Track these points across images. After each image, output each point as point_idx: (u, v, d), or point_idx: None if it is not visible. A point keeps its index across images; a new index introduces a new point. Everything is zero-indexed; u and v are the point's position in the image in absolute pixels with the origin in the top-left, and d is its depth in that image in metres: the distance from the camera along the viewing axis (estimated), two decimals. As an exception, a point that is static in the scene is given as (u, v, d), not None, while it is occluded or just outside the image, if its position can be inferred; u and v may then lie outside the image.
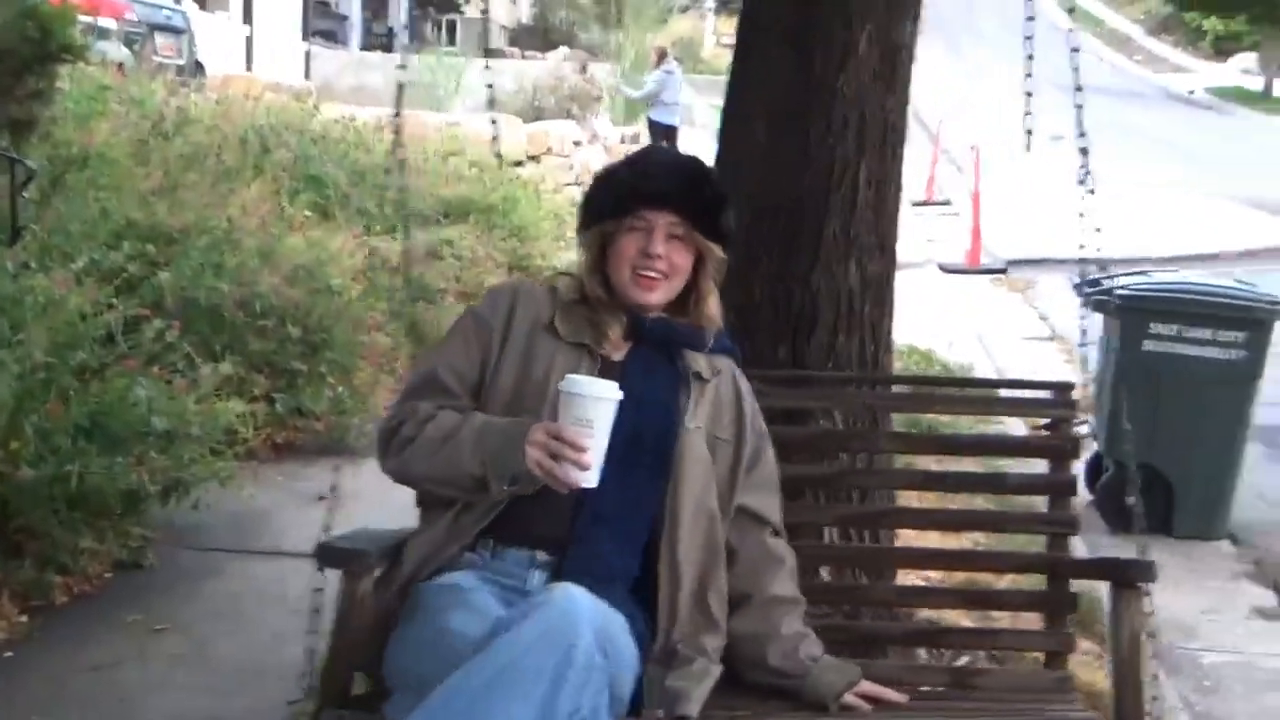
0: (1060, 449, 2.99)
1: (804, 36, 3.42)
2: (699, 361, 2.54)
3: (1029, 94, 3.28)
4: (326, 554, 2.40)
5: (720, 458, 2.51)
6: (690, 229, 2.47)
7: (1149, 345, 5.97)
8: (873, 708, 2.43)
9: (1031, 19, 3.23)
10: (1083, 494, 6.35)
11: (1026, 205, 16.12)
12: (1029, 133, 3.28)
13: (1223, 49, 45.08)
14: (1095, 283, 6.35)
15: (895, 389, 4.01)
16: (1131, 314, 6.04)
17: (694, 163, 2.70)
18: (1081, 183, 3.11)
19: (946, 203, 17.18)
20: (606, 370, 2.39)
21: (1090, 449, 6.78)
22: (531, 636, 1.91)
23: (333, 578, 2.40)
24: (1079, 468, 6.70)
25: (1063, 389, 3.06)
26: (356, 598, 2.30)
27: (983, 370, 8.47)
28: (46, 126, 6.88)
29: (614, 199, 2.51)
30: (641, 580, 2.40)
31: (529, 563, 2.33)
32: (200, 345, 5.25)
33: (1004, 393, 3.61)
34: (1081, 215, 3.04)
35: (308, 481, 5.46)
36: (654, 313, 2.52)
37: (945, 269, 13.29)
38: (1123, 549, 5.80)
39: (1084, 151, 3.13)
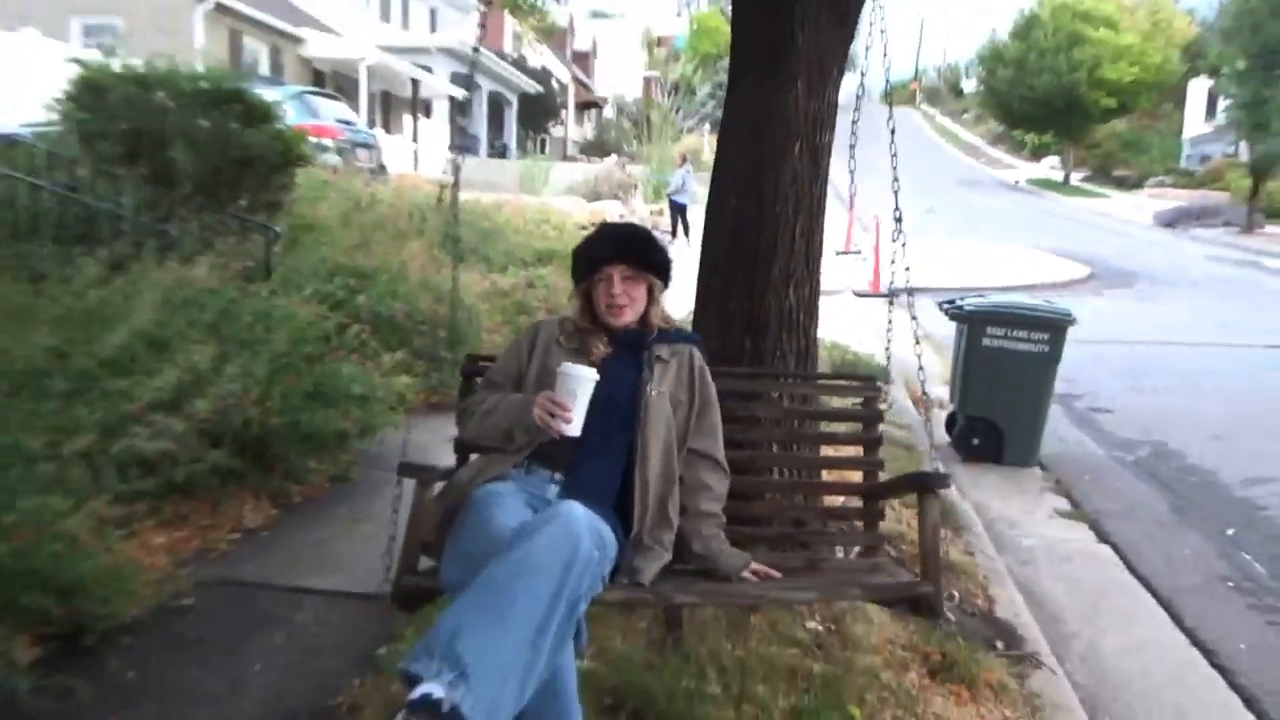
0: (870, 416, 3.02)
1: (758, 144, 3.43)
2: (662, 350, 2.56)
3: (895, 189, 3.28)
4: (404, 469, 2.36)
5: (679, 413, 2.53)
6: (637, 269, 2.54)
7: (987, 342, 5.97)
8: (758, 579, 2.45)
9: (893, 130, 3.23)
10: (944, 437, 6.40)
11: (910, 253, 15.99)
12: (897, 220, 3.27)
13: (1037, 154, 44.97)
14: (952, 302, 6.37)
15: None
16: (976, 322, 6.03)
17: (631, 228, 2.77)
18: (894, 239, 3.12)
19: (858, 252, 17.01)
20: (593, 366, 2.42)
21: (949, 409, 6.80)
22: (548, 540, 1.89)
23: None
24: (941, 420, 6.74)
25: (870, 380, 3.12)
26: (424, 500, 2.30)
27: (879, 357, 8.43)
28: (288, 206, 6.97)
29: (585, 263, 2.58)
30: (620, 496, 2.41)
31: (549, 479, 2.38)
32: (382, 342, 5.26)
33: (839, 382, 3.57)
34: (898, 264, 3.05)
35: (449, 428, 5.50)
36: (625, 328, 2.56)
37: (857, 294, 13.21)
38: (968, 472, 5.85)
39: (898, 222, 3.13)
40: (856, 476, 3.09)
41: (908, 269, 3.06)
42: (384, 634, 3.04)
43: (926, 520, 2.44)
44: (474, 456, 2.55)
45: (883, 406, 3.04)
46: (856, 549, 3.08)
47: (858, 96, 3.60)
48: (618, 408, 2.42)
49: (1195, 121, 41.20)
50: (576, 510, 1.99)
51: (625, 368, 2.51)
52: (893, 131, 3.09)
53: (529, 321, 7.71)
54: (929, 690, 2.94)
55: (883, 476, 2.96)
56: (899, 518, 4.31)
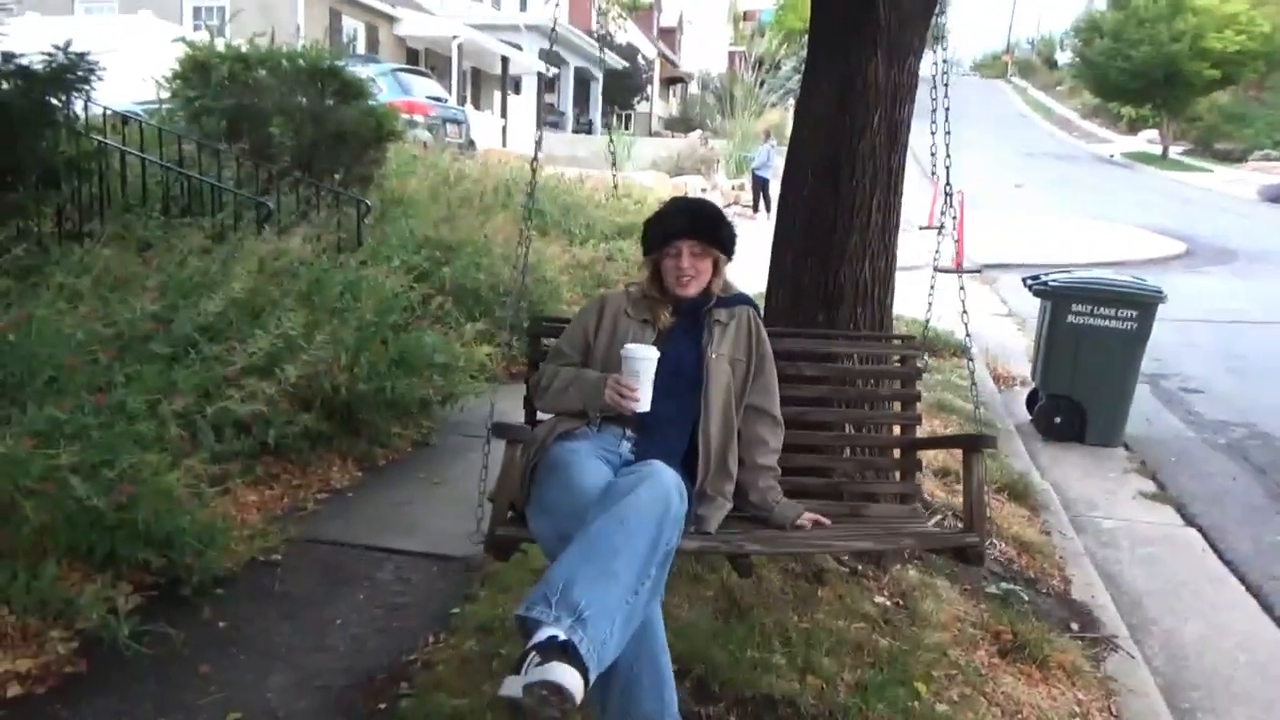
0: (909, 373, 3.07)
1: (837, 118, 3.34)
2: (720, 314, 2.64)
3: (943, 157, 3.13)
4: (499, 430, 2.44)
5: (737, 371, 2.61)
6: (705, 245, 2.61)
7: (1071, 319, 5.75)
8: (810, 526, 2.53)
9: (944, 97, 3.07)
10: (1025, 415, 6.19)
11: (996, 229, 15.53)
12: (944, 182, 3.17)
13: (1134, 127, 42.83)
14: (1037, 278, 6.14)
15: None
16: (1060, 299, 5.81)
17: (701, 204, 2.79)
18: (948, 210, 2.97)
19: (942, 227, 16.57)
20: (660, 334, 2.59)
21: (1030, 386, 6.57)
22: (646, 498, 2.03)
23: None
24: (1022, 399, 6.52)
25: (909, 339, 3.19)
26: (514, 458, 2.39)
27: (959, 333, 8.19)
28: (379, 181, 7.09)
29: (657, 237, 2.65)
30: (688, 453, 2.50)
31: (620, 436, 2.48)
32: (465, 312, 5.33)
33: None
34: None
35: (530, 396, 5.56)
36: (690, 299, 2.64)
37: (939, 270, 12.87)
38: (1049, 451, 5.65)
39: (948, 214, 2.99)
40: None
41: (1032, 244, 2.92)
42: (459, 595, 3.09)
43: (972, 476, 2.52)
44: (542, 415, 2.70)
45: (920, 365, 3.07)
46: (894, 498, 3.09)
47: (942, 72, 3.41)
48: (681, 371, 2.53)
49: (1306, 92, 38.72)
50: (667, 471, 2.12)
51: (686, 334, 2.60)
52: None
53: (600, 294, 7.72)
54: (998, 669, 2.85)
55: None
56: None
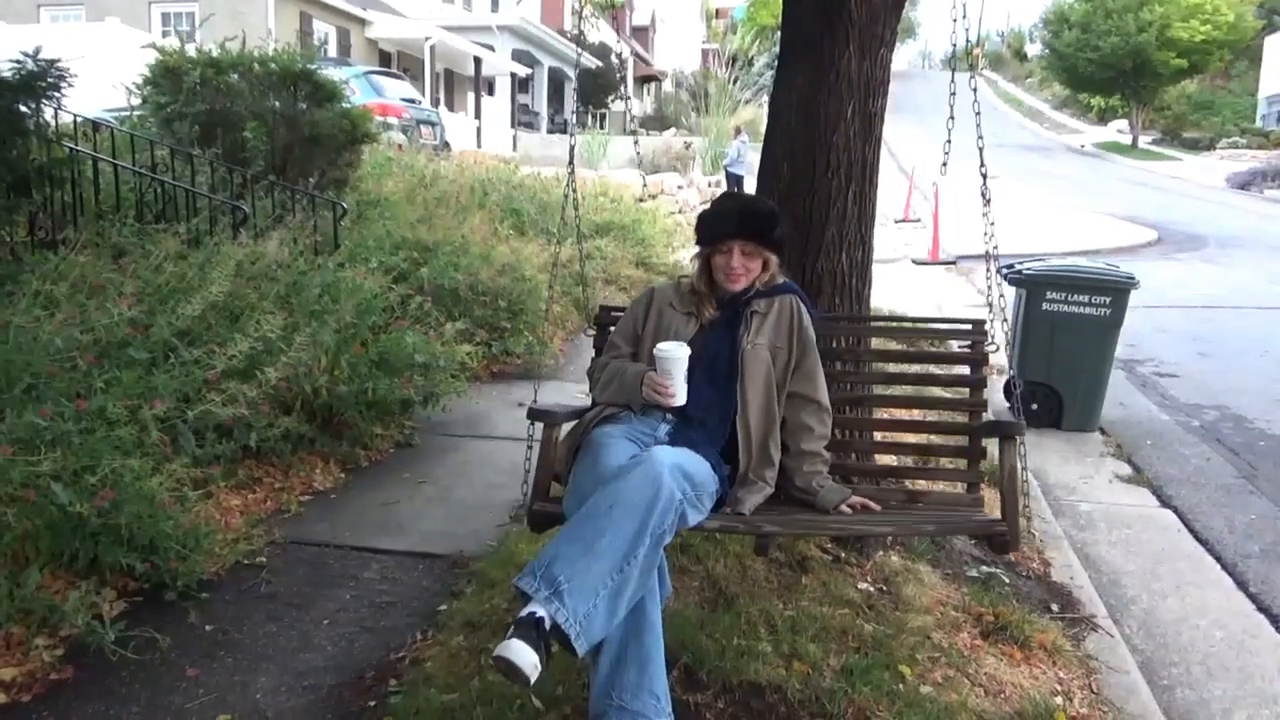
0: (976, 359, 2.99)
1: (811, 110, 3.36)
2: (759, 304, 2.68)
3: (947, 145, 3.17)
4: (533, 414, 2.59)
5: (778, 360, 2.64)
6: (756, 246, 2.66)
7: (1047, 306, 5.81)
8: (856, 510, 2.56)
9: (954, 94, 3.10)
10: (1002, 403, 6.25)
11: (969, 220, 15.64)
12: (943, 164, 3.20)
13: (1104, 118, 43.27)
14: (1012, 267, 6.20)
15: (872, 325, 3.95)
16: (1035, 287, 5.87)
17: (755, 203, 2.85)
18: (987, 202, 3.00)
19: (917, 220, 16.65)
20: (703, 328, 2.65)
21: (1006, 374, 6.64)
22: (635, 481, 2.10)
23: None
24: (998, 386, 6.59)
25: (978, 324, 3.05)
26: (551, 439, 2.52)
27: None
28: (355, 183, 7.06)
29: (710, 233, 2.71)
30: (729, 442, 2.56)
31: (661, 419, 2.54)
32: (444, 312, 5.32)
33: (944, 326, 3.54)
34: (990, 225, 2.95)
35: (511, 394, 5.55)
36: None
37: (915, 262, 12.95)
38: (1027, 438, 5.70)
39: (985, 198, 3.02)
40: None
41: (991, 230, 2.95)
42: (445, 592, 3.10)
43: (1005, 463, 2.53)
44: None
45: (989, 349, 2.99)
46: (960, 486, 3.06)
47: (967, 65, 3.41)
48: (721, 360, 2.60)
49: (1272, 79, 39.23)
50: (662, 455, 2.16)
51: (728, 324, 2.66)
52: (974, 89, 2.95)
53: (587, 292, 7.76)
54: (981, 651, 2.90)
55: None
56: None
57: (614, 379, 2.63)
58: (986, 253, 2.98)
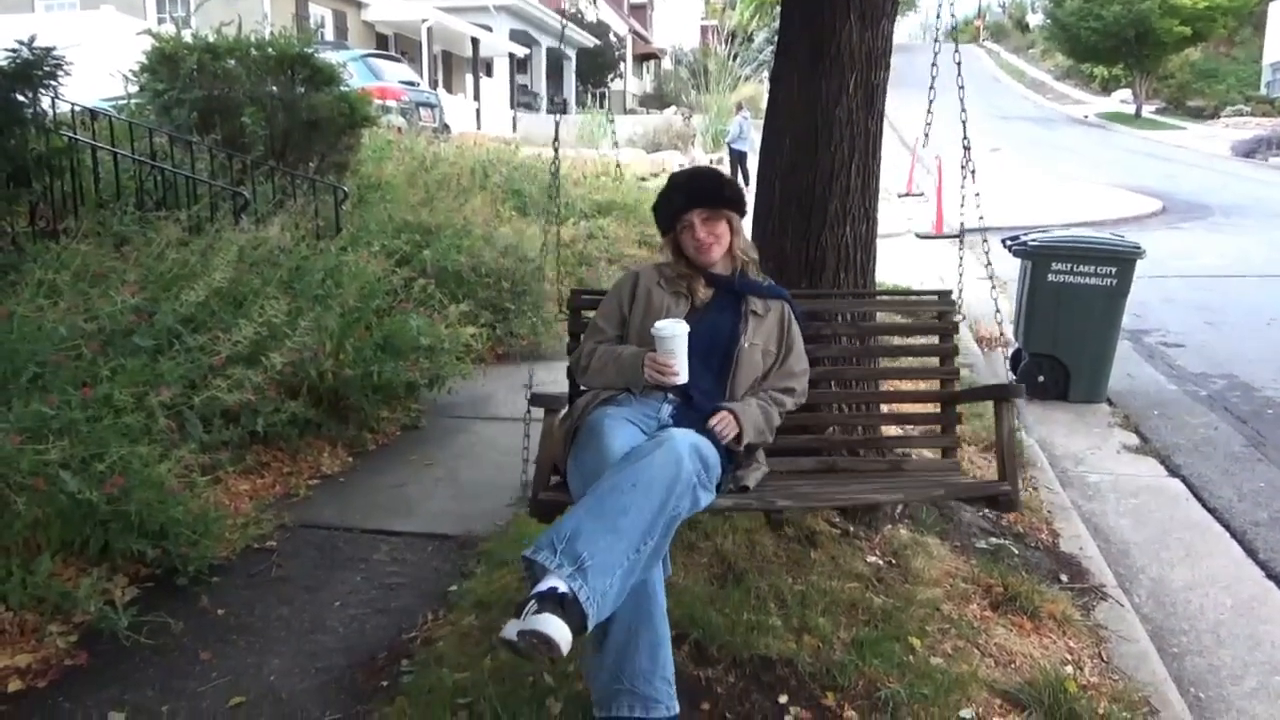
0: (945, 328, 3.08)
1: (812, 83, 3.34)
2: (757, 305, 2.68)
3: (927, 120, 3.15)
4: (536, 400, 2.61)
5: (766, 362, 2.66)
6: (713, 209, 2.66)
7: (1052, 278, 5.78)
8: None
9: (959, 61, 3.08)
10: (1009, 376, 6.24)
11: (974, 193, 15.55)
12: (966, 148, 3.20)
13: (1107, 87, 42.94)
14: (1016, 238, 6.17)
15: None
16: (1040, 258, 5.84)
17: (698, 172, 2.86)
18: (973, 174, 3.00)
19: (921, 194, 16.56)
20: (695, 308, 2.63)
21: (1013, 347, 6.62)
22: (659, 461, 2.09)
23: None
24: (1005, 358, 6.58)
25: (945, 294, 3.15)
26: (553, 426, 2.48)
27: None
28: (355, 166, 7.04)
29: (666, 216, 2.73)
30: None
31: (663, 399, 2.52)
32: (448, 294, 5.31)
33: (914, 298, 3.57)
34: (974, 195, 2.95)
35: (515, 376, 5.49)
36: (719, 266, 2.69)
37: (919, 236, 12.91)
38: (1034, 409, 5.71)
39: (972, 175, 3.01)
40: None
41: (979, 205, 2.97)
42: (455, 573, 3.11)
43: (1003, 425, 2.56)
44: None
45: (957, 318, 3.08)
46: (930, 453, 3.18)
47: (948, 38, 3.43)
48: (717, 349, 2.60)
49: (1277, 46, 38.83)
50: (681, 437, 2.17)
51: (722, 313, 2.65)
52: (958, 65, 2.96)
53: (591, 273, 7.76)
54: (990, 622, 2.90)
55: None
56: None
57: (609, 363, 2.58)
58: (962, 227, 2.99)
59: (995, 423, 2.61)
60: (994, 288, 3.24)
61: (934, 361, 3.18)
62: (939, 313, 3.13)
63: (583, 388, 2.70)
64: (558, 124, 3.13)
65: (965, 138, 3.04)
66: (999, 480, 2.56)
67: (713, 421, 2.44)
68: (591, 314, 2.84)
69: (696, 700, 2.35)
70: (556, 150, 2.97)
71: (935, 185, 13.99)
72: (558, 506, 2.40)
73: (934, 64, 3.10)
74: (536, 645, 1.81)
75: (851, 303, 3.26)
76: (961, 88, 3.09)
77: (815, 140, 3.36)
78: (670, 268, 2.72)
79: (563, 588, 1.86)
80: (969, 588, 3.10)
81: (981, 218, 2.96)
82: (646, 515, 2.00)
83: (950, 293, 3.13)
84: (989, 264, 3.32)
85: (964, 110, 3.02)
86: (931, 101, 3.13)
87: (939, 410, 3.08)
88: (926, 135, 3.19)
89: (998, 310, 3.03)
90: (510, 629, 1.85)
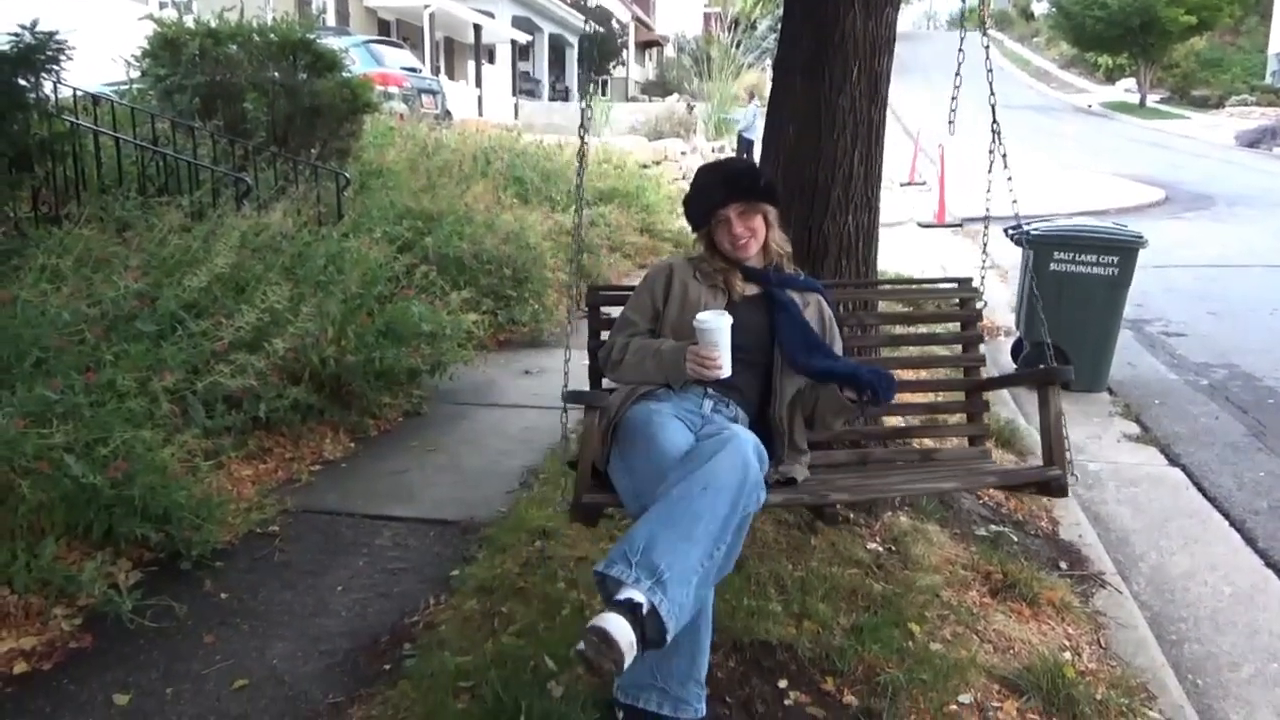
0: (969, 316, 3.07)
1: (816, 71, 3.33)
2: (795, 297, 2.60)
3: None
4: (576, 396, 2.37)
5: None
6: (750, 202, 2.56)
7: (1054, 267, 5.77)
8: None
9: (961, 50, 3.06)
10: (1010, 365, 6.24)
11: (975, 182, 15.57)
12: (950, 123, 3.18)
13: (1111, 77, 42.74)
14: (1018, 228, 6.15)
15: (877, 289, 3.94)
16: (1042, 247, 5.83)
17: (734, 164, 2.77)
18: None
19: (923, 183, 16.56)
20: (742, 305, 2.54)
21: (1014, 336, 6.63)
22: (727, 463, 2.00)
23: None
24: (1007, 348, 6.58)
25: (967, 282, 3.12)
26: (594, 424, 2.30)
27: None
28: (357, 153, 7.03)
29: (700, 212, 2.61)
30: (760, 409, 2.53)
31: (702, 394, 2.45)
32: (450, 281, 5.30)
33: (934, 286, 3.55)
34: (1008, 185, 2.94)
35: (517, 362, 5.58)
36: (753, 261, 2.60)
37: (921, 225, 12.89)
38: (1035, 398, 5.70)
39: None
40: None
41: (1012, 192, 2.94)
42: (457, 557, 3.12)
43: (1050, 410, 2.54)
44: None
45: (980, 305, 3.06)
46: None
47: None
48: (753, 345, 2.50)
49: (1282, 35, 38.70)
50: (748, 437, 2.09)
51: (757, 307, 2.56)
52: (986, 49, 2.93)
53: (591, 260, 7.76)
54: (989, 608, 2.92)
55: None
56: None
57: (646, 357, 2.47)
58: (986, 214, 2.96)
59: (1040, 407, 2.57)
60: (980, 272, 3.21)
61: (940, 350, 3.18)
62: (961, 300, 3.10)
63: (603, 384, 2.63)
64: (584, 112, 2.89)
65: (995, 122, 3.02)
66: (1045, 465, 2.54)
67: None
68: (609, 310, 2.76)
69: (697, 684, 2.36)
70: (584, 139, 2.78)
71: (938, 174, 13.98)
72: (602, 508, 2.34)
73: (960, 49, 3.05)
74: (598, 644, 1.74)
75: (872, 292, 3.23)
76: (990, 70, 3.04)
77: (818, 128, 3.34)
78: (706, 263, 2.61)
79: (641, 600, 1.79)
80: (968, 574, 3.11)
81: (1016, 206, 2.91)
82: (719, 519, 1.93)
83: (970, 280, 3.10)
84: (981, 254, 3.29)
85: (993, 94, 2.98)
86: (957, 88, 3.08)
87: (964, 399, 3.04)
88: (952, 124, 3.15)
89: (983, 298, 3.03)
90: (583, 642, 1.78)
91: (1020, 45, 55.85)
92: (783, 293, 2.58)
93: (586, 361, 2.77)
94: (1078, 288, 5.72)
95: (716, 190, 2.57)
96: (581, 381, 2.61)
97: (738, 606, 2.68)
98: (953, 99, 3.11)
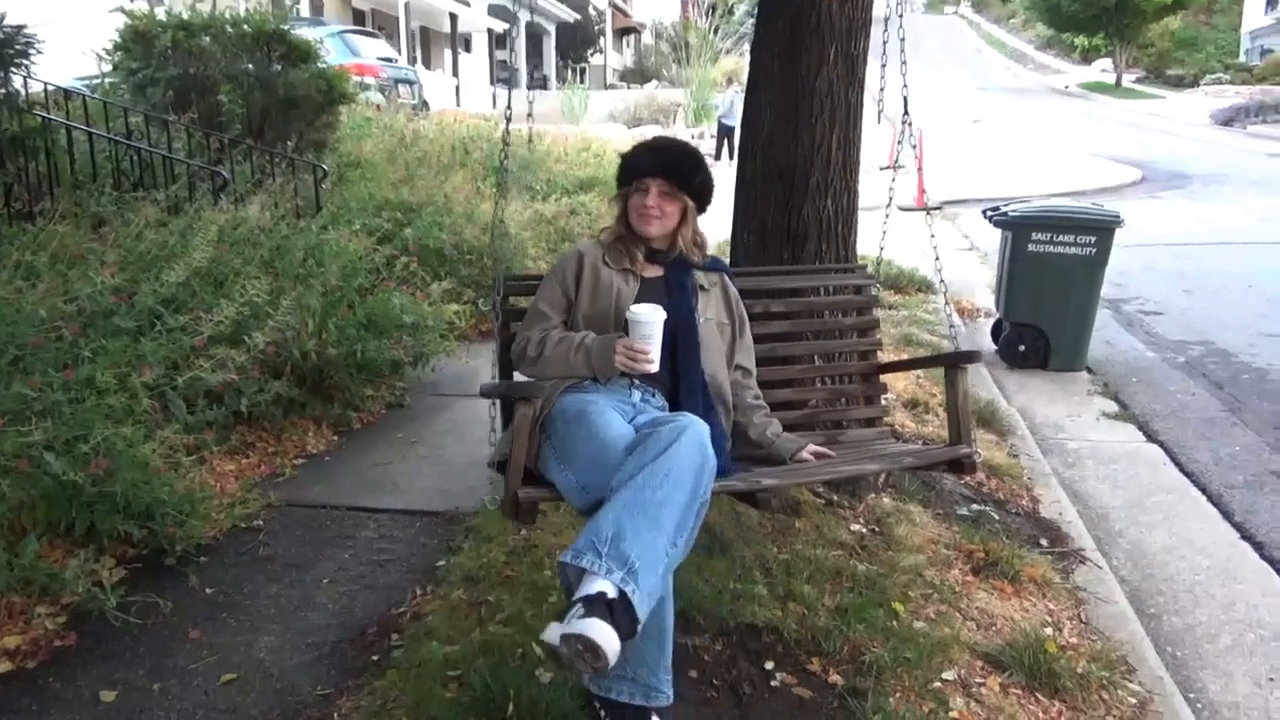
0: (866, 301, 3.18)
1: (793, 54, 3.33)
2: (700, 278, 2.60)
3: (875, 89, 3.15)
4: (510, 389, 2.38)
5: (725, 335, 2.61)
6: (675, 187, 2.52)
7: (1032, 248, 5.81)
8: (811, 459, 2.55)
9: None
10: (990, 346, 6.29)
11: (954, 165, 15.62)
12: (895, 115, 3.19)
13: (1087, 57, 42.97)
14: (997, 209, 6.19)
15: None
16: (1020, 228, 5.87)
17: (681, 145, 2.66)
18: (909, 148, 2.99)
19: (902, 166, 16.60)
20: (645, 287, 2.50)
21: (994, 317, 6.67)
22: (688, 449, 1.97)
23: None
24: (986, 330, 6.62)
25: (862, 268, 3.27)
26: (526, 417, 2.19)
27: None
28: (334, 144, 6.97)
29: (627, 174, 2.57)
30: (673, 397, 2.46)
31: (630, 385, 2.41)
32: (430, 272, 5.28)
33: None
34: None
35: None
36: (656, 242, 2.56)
37: (901, 208, 12.93)
38: (1015, 378, 5.76)
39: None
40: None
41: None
42: (443, 548, 3.12)
43: (956, 391, 2.60)
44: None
45: (875, 292, 3.18)
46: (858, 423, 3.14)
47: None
48: (666, 331, 2.42)
49: (1255, 13, 38.96)
50: (698, 423, 2.06)
51: (666, 290, 2.52)
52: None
53: (572, 249, 7.70)
54: (972, 586, 2.95)
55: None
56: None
57: (571, 350, 2.40)
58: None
59: (947, 389, 2.64)
60: (936, 256, 3.21)
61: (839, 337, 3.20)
62: (857, 286, 3.19)
63: (518, 378, 2.53)
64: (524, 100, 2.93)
65: (906, 114, 3.06)
66: (953, 444, 2.58)
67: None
68: (524, 300, 2.68)
69: (684, 668, 2.37)
70: (506, 138, 2.74)
71: (916, 158, 14.00)
72: (537, 504, 2.24)
73: (898, 33, 3.10)
74: (582, 652, 1.71)
75: (780, 279, 3.18)
76: (904, 63, 3.05)
77: (796, 112, 3.35)
78: (612, 233, 2.58)
79: (611, 591, 1.77)
80: (951, 554, 3.14)
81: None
82: (681, 506, 1.93)
83: (865, 266, 3.20)
84: (931, 238, 3.27)
85: (905, 86, 3.00)
86: (899, 69, 3.10)
87: (861, 383, 3.12)
88: (881, 111, 3.20)
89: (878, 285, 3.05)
90: (553, 632, 1.76)
91: (996, 27, 56.04)
92: (682, 278, 2.55)
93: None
94: (1056, 268, 5.76)
95: (651, 156, 2.54)
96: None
97: (723, 590, 2.70)
98: (881, 81, 3.13)
